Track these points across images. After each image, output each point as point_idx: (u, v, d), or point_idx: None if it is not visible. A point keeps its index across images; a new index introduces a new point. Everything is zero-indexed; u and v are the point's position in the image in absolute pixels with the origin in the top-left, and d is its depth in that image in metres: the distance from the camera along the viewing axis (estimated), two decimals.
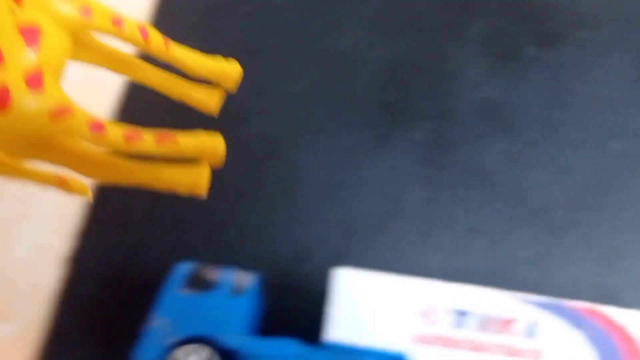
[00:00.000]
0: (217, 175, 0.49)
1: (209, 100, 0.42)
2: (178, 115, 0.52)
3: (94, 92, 0.53)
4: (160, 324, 0.38)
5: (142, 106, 0.52)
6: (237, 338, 0.38)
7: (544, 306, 0.38)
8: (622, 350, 0.37)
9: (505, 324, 0.37)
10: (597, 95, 0.51)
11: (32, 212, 0.48)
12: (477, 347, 0.36)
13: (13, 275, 0.45)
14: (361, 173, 0.48)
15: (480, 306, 0.38)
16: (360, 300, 0.38)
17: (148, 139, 0.34)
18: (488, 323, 0.37)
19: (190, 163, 0.47)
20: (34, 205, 0.48)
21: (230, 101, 0.52)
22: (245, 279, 0.40)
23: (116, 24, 0.36)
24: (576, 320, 0.37)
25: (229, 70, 0.40)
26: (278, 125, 0.51)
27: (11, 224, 0.47)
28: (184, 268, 0.40)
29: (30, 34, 0.32)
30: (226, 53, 0.55)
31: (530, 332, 0.37)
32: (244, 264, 0.45)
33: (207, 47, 0.55)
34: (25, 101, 0.31)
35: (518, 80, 0.52)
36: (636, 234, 0.46)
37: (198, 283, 0.40)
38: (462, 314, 0.37)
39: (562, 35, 0.54)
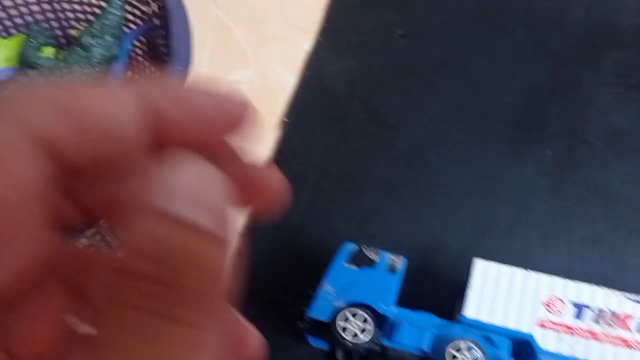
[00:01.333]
0: (369, 173, 0.58)
1: None
2: (341, 122, 0.61)
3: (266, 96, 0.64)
4: (329, 290, 0.47)
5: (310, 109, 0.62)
6: (389, 307, 0.47)
7: None
8: None
9: (620, 319, 0.44)
10: None
11: None
12: (593, 337, 0.43)
13: None
14: (495, 182, 0.56)
15: (597, 301, 0.44)
16: (494, 287, 0.46)
17: None
18: (604, 317, 0.44)
19: None
20: None
21: (383, 109, 0.61)
22: (398, 261, 0.49)
23: None
24: None
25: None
26: (425, 136, 0.59)
27: None
28: (350, 246, 0.50)
29: None
30: (382, 71, 0.64)
31: None
32: (388, 250, 0.53)
33: (365, 65, 0.64)
34: None
35: None
36: None
37: (361, 260, 0.49)
38: (581, 307, 0.44)
39: None
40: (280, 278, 0.54)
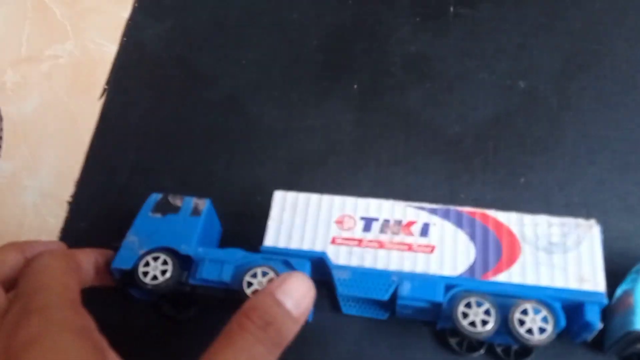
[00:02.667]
0: (189, 128, 0.60)
1: None
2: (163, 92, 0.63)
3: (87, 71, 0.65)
4: (133, 240, 0.48)
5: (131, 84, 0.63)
6: (191, 247, 0.48)
7: (434, 211, 0.47)
8: (500, 240, 0.46)
9: (404, 227, 0.47)
10: (508, 43, 0.60)
11: (38, 165, 0.60)
12: (380, 246, 0.47)
13: (23, 218, 0.58)
14: (307, 121, 0.59)
15: (384, 214, 0.48)
16: (291, 214, 0.49)
17: None
18: (389, 226, 0.47)
19: None
20: (39, 160, 0.60)
21: (200, 66, 0.63)
22: (201, 204, 0.51)
23: None
24: (461, 220, 0.47)
25: None
26: (241, 86, 0.61)
27: (21, 176, 0.59)
28: (155, 197, 0.51)
29: None
30: (198, 30, 0.65)
31: (424, 232, 0.47)
32: (211, 198, 0.55)
33: (182, 26, 0.66)
34: None
35: (440, 36, 0.61)
36: (533, 157, 0.55)
37: (166, 207, 0.50)
38: (369, 220, 0.47)
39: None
40: (110, 240, 0.55)
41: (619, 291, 0.49)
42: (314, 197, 0.49)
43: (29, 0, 0.70)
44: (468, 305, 0.44)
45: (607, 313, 0.48)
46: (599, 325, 0.44)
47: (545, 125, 0.56)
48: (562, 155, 0.55)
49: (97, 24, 0.68)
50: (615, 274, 0.50)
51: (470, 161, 0.55)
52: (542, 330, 0.43)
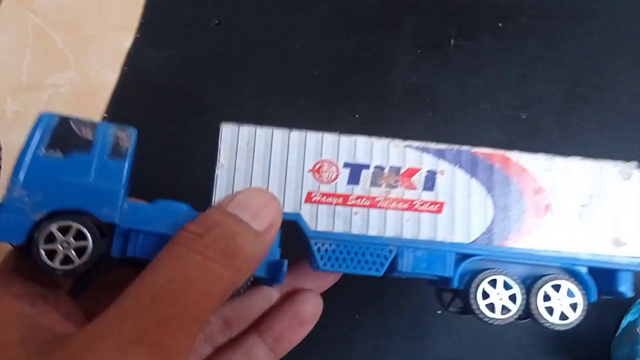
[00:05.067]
0: (189, 157, 0.59)
1: None
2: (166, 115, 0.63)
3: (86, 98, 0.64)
4: (19, 195, 0.33)
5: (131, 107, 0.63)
6: (116, 208, 0.33)
7: (442, 153, 0.38)
8: (523, 192, 0.37)
9: (403, 176, 0.37)
10: (509, 74, 0.60)
11: None
12: (372, 204, 0.36)
13: None
14: None
15: (376, 157, 0.38)
16: (247, 158, 0.37)
17: None
18: (384, 176, 0.37)
19: None
20: None
21: (201, 95, 0.63)
22: (126, 137, 0.36)
23: None
24: (475, 165, 0.37)
25: None
26: (241, 115, 0.61)
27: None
28: (49, 119, 0.34)
29: None
30: (199, 59, 0.65)
31: (429, 184, 0.37)
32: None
33: (183, 55, 0.66)
34: None
35: (441, 67, 0.61)
36: None
37: (68, 141, 0.34)
38: (356, 167, 0.37)
39: (481, 26, 0.63)
40: None
41: (624, 322, 0.48)
42: (278, 134, 0.38)
43: (30, 28, 0.70)
44: (492, 283, 0.35)
45: (613, 344, 0.48)
46: (630, 294, 0.36)
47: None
48: None
49: (98, 52, 0.68)
50: (620, 304, 0.49)
51: None
52: (571, 310, 0.36)
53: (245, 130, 0.37)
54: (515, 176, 0.37)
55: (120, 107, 0.64)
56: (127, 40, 0.68)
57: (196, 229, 0.31)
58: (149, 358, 0.28)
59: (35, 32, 0.70)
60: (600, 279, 0.36)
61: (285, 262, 0.35)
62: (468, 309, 0.36)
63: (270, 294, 0.42)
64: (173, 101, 0.63)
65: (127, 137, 0.36)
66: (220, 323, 0.42)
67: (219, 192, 0.36)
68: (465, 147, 0.38)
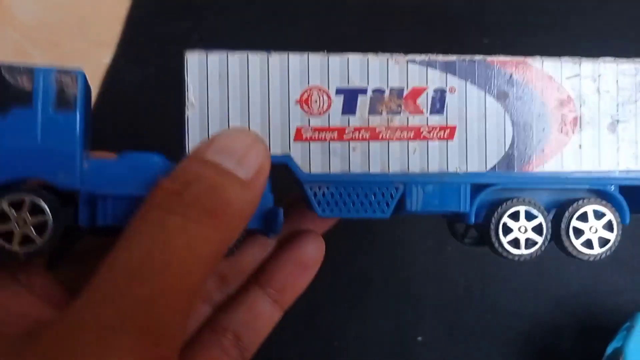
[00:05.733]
0: None
1: None
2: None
3: None
4: None
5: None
6: (74, 172, 0.29)
7: (451, 67, 0.32)
8: (547, 104, 0.32)
9: (407, 99, 0.32)
10: None
11: None
12: (373, 136, 0.32)
13: None
14: None
15: (373, 79, 0.32)
16: (221, 91, 0.32)
17: None
18: (384, 100, 0.32)
19: None
20: None
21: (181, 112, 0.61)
22: (72, 83, 0.30)
23: None
24: (489, 78, 0.32)
25: None
26: None
27: None
28: None
29: None
30: (180, 73, 0.64)
31: (438, 105, 0.32)
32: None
33: (164, 72, 0.64)
34: None
35: None
36: None
37: (3, 96, 0.29)
38: (351, 93, 0.32)
39: (466, 43, 0.63)
40: None
41: (609, 349, 0.47)
42: (255, 59, 0.32)
43: (10, 45, 0.68)
44: (514, 216, 0.31)
45: None
46: None
47: None
48: None
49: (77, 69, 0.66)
50: (605, 330, 0.46)
51: None
52: (604, 241, 0.32)
53: (216, 57, 0.32)
54: (538, 86, 0.32)
55: (99, 125, 0.61)
56: (106, 57, 0.66)
57: (172, 186, 0.26)
58: (136, 347, 0.24)
59: (14, 49, 0.68)
60: (634, 197, 0.33)
61: (281, 210, 0.31)
62: (488, 244, 0.32)
63: (266, 241, 0.37)
64: (153, 119, 0.61)
65: (73, 82, 0.30)
66: (215, 280, 0.38)
67: (192, 137, 0.32)
68: (478, 57, 0.32)
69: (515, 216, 0.32)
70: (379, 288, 0.60)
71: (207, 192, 0.27)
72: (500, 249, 0.32)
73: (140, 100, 0.63)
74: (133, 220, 0.26)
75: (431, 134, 0.32)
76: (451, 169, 0.32)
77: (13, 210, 0.28)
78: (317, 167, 0.31)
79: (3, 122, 0.29)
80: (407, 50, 0.61)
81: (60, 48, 0.67)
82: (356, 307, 0.59)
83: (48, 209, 0.28)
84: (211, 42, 0.65)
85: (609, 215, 0.32)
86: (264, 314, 0.37)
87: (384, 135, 0.31)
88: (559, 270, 0.58)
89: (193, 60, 0.32)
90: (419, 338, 0.58)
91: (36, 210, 0.28)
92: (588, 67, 0.32)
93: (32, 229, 0.28)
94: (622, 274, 0.51)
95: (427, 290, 0.59)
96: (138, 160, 0.31)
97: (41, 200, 0.28)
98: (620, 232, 0.32)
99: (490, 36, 0.63)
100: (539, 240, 0.32)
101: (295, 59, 0.32)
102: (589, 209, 0.32)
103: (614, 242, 0.32)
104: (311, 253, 0.36)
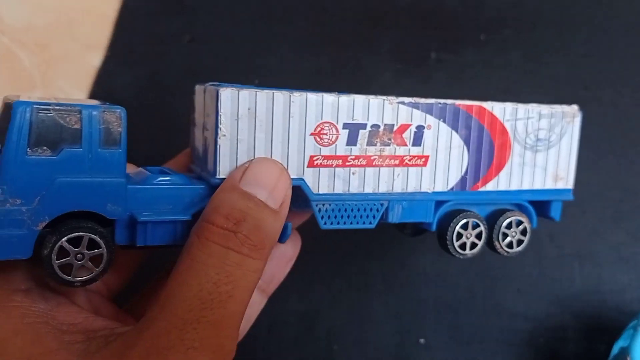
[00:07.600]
0: None
1: None
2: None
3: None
4: (17, 204, 0.29)
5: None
6: (120, 203, 0.32)
7: (430, 109, 0.40)
8: (493, 141, 0.42)
9: (396, 134, 0.40)
10: (493, 88, 0.59)
11: None
12: (368, 163, 0.39)
13: None
14: None
15: (372, 116, 0.39)
16: (249, 125, 0.36)
17: None
18: (379, 134, 0.39)
19: None
20: None
21: (173, 114, 0.60)
22: (115, 119, 0.32)
23: None
24: (457, 119, 0.41)
25: None
26: None
27: None
28: (24, 109, 0.30)
29: None
30: (171, 77, 0.63)
31: (417, 140, 0.40)
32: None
33: (155, 73, 0.64)
34: None
35: (423, 82, 0.59)
36: None
37: (55, 136, 0.30)
38: (354, 127, 0.39)
39: (463, 39, 0.61)
40: None
41: (615, 348, 0.46)
42: (279, 96, 0.36)
43: None
44: (464, 226, 0.42)
45: None
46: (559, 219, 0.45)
47: None
48: None
49: (67, 72, 0.65)
50: (610, 329, 0.46)
51: None
52: (520, 242, 0.44)
53: (246, 94, 0.36)
54: (489, 126, 0.42)
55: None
56: (96, 59, 0.66)
57: (226, 224, 0.31)
58: None
59: (2, 52, 0.68)
60: (539, 206, 0.45)
61: (290, 224, 0.36)
62: (443, 247, 0.42)
63: None
64: (144, 121, 0.60)
65: (117, 120, 0.32)
66: None
67: (223, 162, 0.36)
68: (450, 101, 0.41)
69: (465, 226, 0.42)
70: (380, 290, 0.60)
71: (254, 229, 0.32)
72: (453, 252, 0.42)
73: (131, 101, 0.63)
74: (192, 249, 0.31)
75: (411, 162, 0.41)
76: (423, 189, 0.41)
77: (72, 246, 0.31)
78: (323, 188, 0.39)
79: (55, 161, 0.30)
80: (402, 49, 0.61)
81: (50, 51, 0.66)
82: (356, 310, 0.60)
83: (104, 244, 0.32)
84: (203, 42, 0.64)
85: (525, 223, 0.44)
86: (255, 303, 0.42)
87: (377, 162, 0.40)
88: (561, 270, 0.58)
89: (226, 95, 0.36)
90: (421, 340, 0.58)
91: (92, 245, 0.32)
92: (522, 111, 0.43)
93: (89, 258, 0.32)
94: (625, 272, 0.51)
95: (428, 292, 0.59)
96: (171, 186, 0.35)
97: (97, 238, 0.32)
98: (531, 235, 0.44)
99: (486, 32, 0.61)
100: (480, 243, 0.43)
101: (312, 98, 0.38)
102: (513, 218, 0.43)
103: (526, 243, 0.44)
104: (292, 247, 0.44)
